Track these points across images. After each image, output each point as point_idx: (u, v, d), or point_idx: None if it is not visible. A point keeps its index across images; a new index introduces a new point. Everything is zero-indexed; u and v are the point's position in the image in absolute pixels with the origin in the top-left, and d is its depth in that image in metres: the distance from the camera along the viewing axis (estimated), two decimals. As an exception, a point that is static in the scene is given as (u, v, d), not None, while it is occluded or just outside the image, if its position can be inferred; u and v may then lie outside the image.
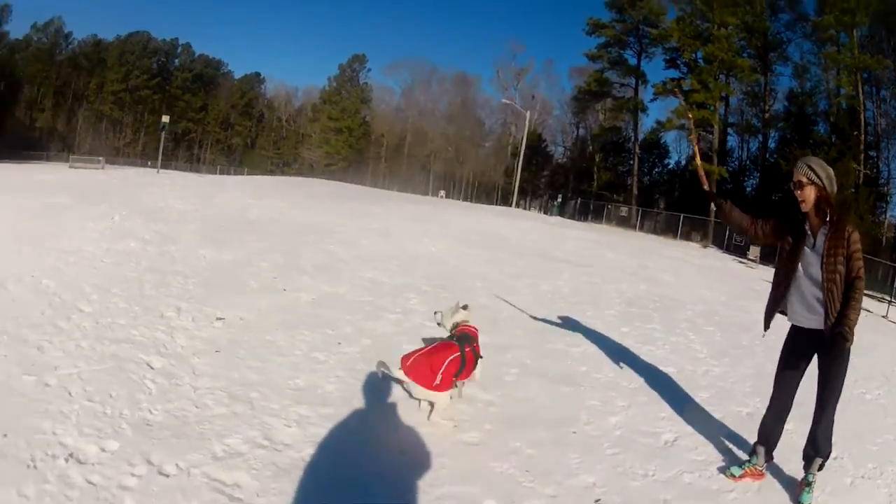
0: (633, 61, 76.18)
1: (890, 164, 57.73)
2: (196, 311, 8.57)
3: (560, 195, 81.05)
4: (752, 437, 5.68)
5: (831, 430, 5.18)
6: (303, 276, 11.59)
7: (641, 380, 7.71)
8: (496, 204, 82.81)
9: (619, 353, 8.71)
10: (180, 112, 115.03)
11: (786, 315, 5.31)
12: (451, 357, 5.82)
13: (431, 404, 5.83)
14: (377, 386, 6.52)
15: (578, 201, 72.34)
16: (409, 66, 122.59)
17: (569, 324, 10.11)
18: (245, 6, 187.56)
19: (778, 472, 5.55)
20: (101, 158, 75.75)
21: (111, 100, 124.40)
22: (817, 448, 5.17)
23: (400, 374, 5.74)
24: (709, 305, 14.20)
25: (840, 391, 5.12)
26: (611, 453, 5.63)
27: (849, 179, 41.28)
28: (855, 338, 4.83)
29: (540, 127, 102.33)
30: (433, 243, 17.63)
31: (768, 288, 5.54)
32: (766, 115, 65.04)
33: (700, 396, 7.44)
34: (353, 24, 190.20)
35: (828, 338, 4.93)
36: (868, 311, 5.05)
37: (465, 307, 6.75)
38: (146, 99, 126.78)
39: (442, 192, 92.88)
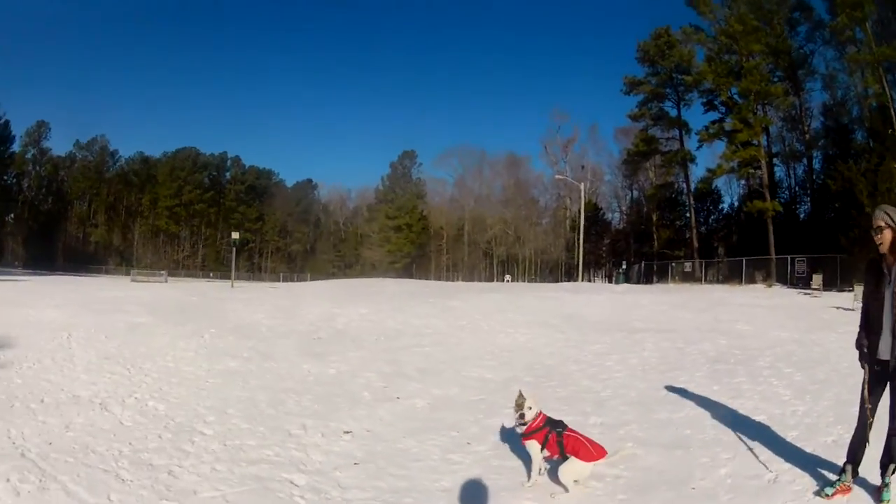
0: (673, 113, 76.14)
1: (934, 150, 56.25)
2: (322, 427, 8.84)
3: (624, 262, 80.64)
4: (839, 461, 6.20)
5: None
6: (411, 383, 11.92)
7: (739, 432, 8.12)
8: (561, 280, 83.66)
9: (715, 411, 9.16)
10: (237, 223, 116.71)
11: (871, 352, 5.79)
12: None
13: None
14: (517, 478, 6.94)
15: (642, 264, 71.80)
16: (458, 155, 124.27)
17: (666, 392, 10.58)
18: (290, 117, 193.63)
19: (862, 483, 5.99)
20: (163, 272, 76.81)
21: (166, 214, 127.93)
22: (892, 456, 5.66)
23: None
24: (785, 347, 14.47)
25: None
26: (727, 499, 6.14)
27: (894, 182, 40.54)
28: None
29: (594, 196, 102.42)
30: (519, 332, 17.93)
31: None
32: (807, 137, 64.22)
33: (790, 435, 7.86)
34: (397, 121, 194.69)
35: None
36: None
37: (529, 401, 6.96)
38: (201, 212, 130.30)
39: (508, 277, 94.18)
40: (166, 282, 65.62)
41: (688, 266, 63.43)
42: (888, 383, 5.69)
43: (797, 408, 9.19)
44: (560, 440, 6.67)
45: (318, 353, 14.61)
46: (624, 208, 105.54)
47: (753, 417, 8.80)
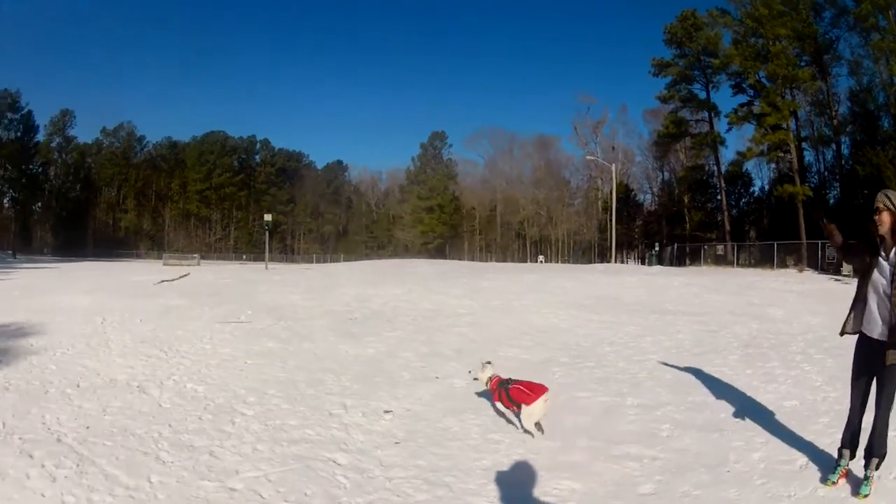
0: (702, 95, 74.94)
1: (959, 139, 55.21)
2: (363, 407, 8.95)
3: (656, 244, 79.49)
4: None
5: (886, 432, 5.74)
6: (448, 363, 12.02)
7: (772, 416, 8.19)
8: (594, 261, 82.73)
9: (748, 396, 9.24)
10: (267, 206, 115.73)
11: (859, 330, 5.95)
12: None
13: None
14: (556, 458, 7.04)
15: (675, 247, 70.83)
16: (488, 137, 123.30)
17: (700, 375, 10.58)
18: (318, 99, 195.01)
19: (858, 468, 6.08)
20: (195, 255, 77.33)
21: (196, 198, 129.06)
22: (872, 450, 5.78)
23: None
24: (816, 333, 14.41)
25: (894, 397, 5.65)
26: (759, 483, 6.19)
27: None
28: None
29: (625, 177, 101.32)
30: (554, 314, 17.94)
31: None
32: (835, 122, 62.79)
33: (821, 422, 7.88)
34: (426, 103, 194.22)
35: (885, 348, 5.55)
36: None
37: (489, 363, 9.09)
38: (231, 195, 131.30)
39: (541, 258, 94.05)
40: (198, 265, 65.80)
41: (720, 249, 62.75)
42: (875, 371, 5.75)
43: (828, 394, 9.18)
44: (507, 394, 8.18)
45: (354, 333, 14.68)
46: (655, 190, 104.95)
47: (786, 402, 8.83)
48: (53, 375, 10.49)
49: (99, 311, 17.36)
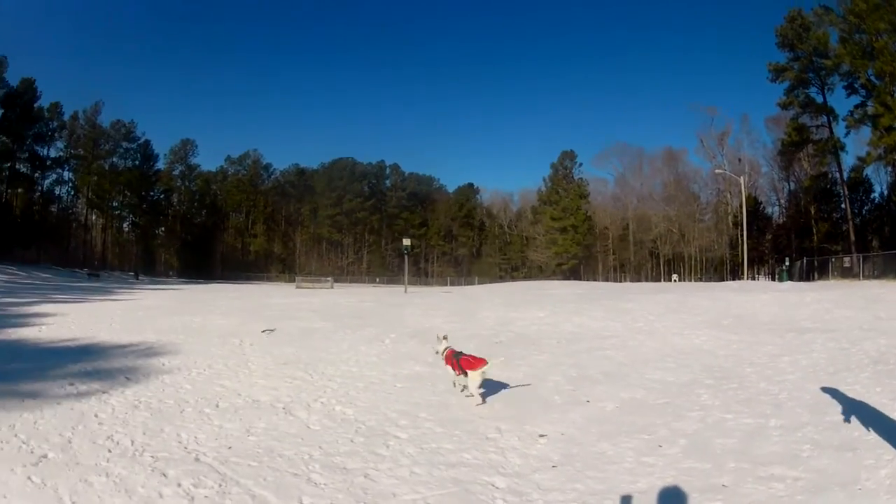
0: (819, 99, 72.60)
1: None
2: (517, 430, 9.09)
3: (786, 258, 76.68)
4: None
5: None
6: (597, 386, 12.18)
7: None
8: (726, 278, 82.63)
9: (878, 413, 9.28)
10: (400, 230, 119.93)
11: None
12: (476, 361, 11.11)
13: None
14: (709, 480, 7.18)
15: (804, 261, 68.29)
16: (616, 154, 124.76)
17: (836, 394, 10.56)
18: (446, 125, 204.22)
19: None
20: (329, 278, 79.18)
21: (328, 223, 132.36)
22: None
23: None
24: (940, 347, 14.12)
25: None
26: (885, 499, 6.39)
27: None
28: None
29: (752, 189, 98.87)
30: (694, 334, 18.06)
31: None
32: None
33: (944, 438, 7.94)
34: (553, 122, 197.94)
35: None
36: None
37: (445, 337, 12.03)
38: (363, 220, 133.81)
39: (675, 276, 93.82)
40: (332, 287, 67.08)
41: (847, 261, 60.19)
42: None
43: (954, 411, 9.19)
44: (458, 362, 11.10)
45: (503, 356, 14.52)
46: (782, 201, 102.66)
47: (912, 420, 8.84)
48: (189, 395, 10.95)
49: (235, 333, 18.10)
